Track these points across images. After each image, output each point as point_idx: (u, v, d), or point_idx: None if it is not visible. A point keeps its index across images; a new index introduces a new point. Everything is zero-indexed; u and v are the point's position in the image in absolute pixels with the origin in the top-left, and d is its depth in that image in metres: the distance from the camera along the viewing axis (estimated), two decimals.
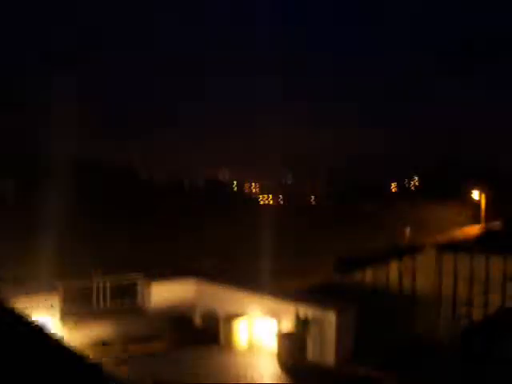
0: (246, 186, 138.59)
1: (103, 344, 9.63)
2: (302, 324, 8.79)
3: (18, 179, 64.17)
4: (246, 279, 11.13)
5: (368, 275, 10.46)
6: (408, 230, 37.59)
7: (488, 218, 42.29)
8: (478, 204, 47.03)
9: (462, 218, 45.65)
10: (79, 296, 10.12)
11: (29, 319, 3.25)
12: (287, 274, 13.85)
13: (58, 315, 9.57)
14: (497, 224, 35.22)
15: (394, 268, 10.09)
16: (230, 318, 9.89)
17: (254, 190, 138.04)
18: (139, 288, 10.85)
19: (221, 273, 12.72)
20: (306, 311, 8.87)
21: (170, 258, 18.97)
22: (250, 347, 9.75)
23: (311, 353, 8.84)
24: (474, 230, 36.86)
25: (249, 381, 8.13)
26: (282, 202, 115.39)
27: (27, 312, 9.05)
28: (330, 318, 8.66)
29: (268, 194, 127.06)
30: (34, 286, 9.79)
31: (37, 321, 8.88)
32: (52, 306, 9.48)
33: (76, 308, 9.95)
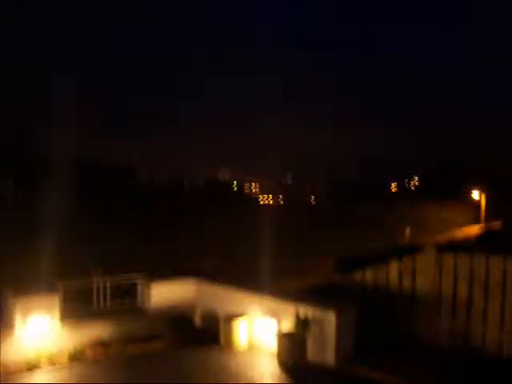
0: (246, 185, 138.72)
1: (103, 344, 9.64)
2: (302, 324, 8.79)
3: (17, 179, 64.19)
4: (246, 279, 11.12)
5: (368, 275, 10.45)
6: (408, 230, 37.62)
7: (488, 218, 42.31)
8: (478, 204, 47.07)
9: (462, 218, 45.65)
10: (79, 296, 10.11)
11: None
12: (287, 274, 13.83)
13: (57, 315, 9.56)
14: (497, 224, 35.19)
15: (394, 268, 10.09)
16: (230, 318, 9.90)
17: (254, 190, 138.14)
18: (139, 288, 10.84)
19: (221, 273, 12.70)
20: (306, 311, 8.87)
21: (169, 257, 18.97)
22: (250, 347, 9.76)
23: (311, 353, 8.84)
24: (473, 229, 36.81)
25: (249, 381, 8.13)
26: (281, 202, 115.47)
27: (27, 312, 9.08)
28: (330, 318, 8.66)
29: (268, 194, 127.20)
30: (33, 286, 9.77)
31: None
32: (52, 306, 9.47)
33: (76, 308, 9.94)
